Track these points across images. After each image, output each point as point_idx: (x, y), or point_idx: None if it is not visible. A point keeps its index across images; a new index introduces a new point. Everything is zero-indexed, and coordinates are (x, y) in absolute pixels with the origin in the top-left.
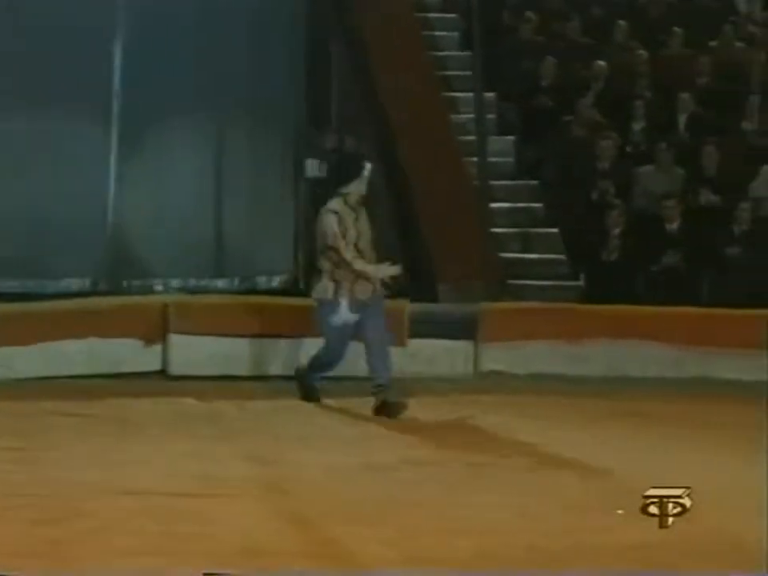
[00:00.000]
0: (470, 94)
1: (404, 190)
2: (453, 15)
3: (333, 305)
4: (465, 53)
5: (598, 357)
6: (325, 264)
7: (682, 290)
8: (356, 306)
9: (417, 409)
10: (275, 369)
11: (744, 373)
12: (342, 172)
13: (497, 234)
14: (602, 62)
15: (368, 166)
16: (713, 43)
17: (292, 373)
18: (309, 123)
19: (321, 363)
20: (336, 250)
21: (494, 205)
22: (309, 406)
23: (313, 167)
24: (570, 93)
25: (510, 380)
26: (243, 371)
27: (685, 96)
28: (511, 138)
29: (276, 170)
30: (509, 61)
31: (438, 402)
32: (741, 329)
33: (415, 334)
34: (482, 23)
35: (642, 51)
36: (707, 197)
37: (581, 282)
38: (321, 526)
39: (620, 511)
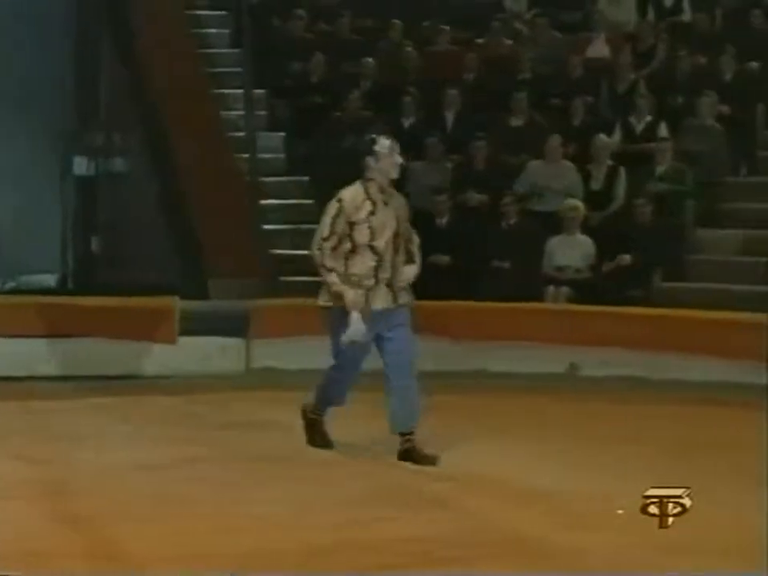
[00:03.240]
0: (240, 91)
1: (174, 188)
2: (223, 12)
3: (340, 315)
4: (235, 50)
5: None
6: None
7: (454, 285)
8: (372, 318)
9: (191, 406)
10: (49, 369)
11: (515, 365)
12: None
13: (268, 230)
14: (370, 59)
15: (385, 143)
16: (480, 40)
17: (66, 373)
18: (77, 120)
19: (329, 389)
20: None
21: (264, 201)
22: (84, 405)
23: (80, 165)
24: (339, 89)
25: (283, 376)
26: (17, 372)
27: (453, 92)
28: (281, 134)
29: (43, 167)
30: (279, 58)
31: (211, 400)
32: (512, 322)
33: (186, 332)
34: (251, 21)
35: (410, 48)
36: (475, 193)
37: None
38: (96, 526)
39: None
